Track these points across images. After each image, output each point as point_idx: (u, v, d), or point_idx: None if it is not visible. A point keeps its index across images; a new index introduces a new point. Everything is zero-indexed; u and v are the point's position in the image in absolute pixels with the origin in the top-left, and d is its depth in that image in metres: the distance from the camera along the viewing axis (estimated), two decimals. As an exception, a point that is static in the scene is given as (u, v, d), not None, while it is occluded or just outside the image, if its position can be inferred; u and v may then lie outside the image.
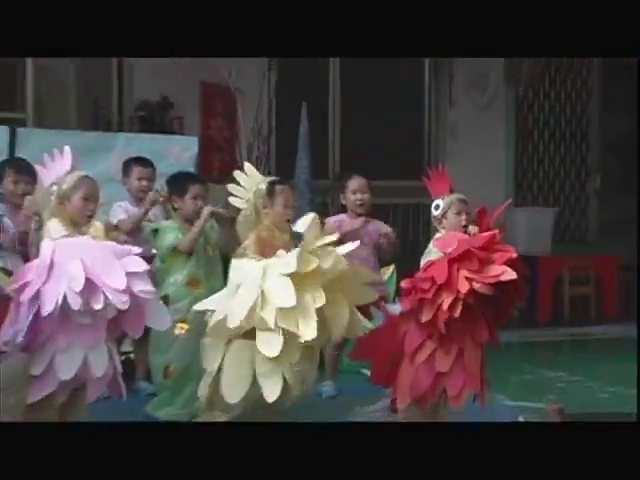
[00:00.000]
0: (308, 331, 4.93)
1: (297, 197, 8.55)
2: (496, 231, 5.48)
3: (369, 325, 6.30)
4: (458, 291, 5.16)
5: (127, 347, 6.83)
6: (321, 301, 4.97)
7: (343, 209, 7.15)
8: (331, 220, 7.04)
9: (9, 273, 5.68)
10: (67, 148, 5.25)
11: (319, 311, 5.04)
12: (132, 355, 6.98)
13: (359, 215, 6.95)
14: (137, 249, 4.95)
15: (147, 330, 5.30)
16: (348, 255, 5.85)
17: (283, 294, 4.96)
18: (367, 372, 5.92)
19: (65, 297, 4.66)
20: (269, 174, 9.56)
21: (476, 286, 5.14)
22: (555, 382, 7.67)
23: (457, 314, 5.16)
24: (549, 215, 11.13)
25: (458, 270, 5.21)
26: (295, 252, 5.06)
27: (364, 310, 6.11)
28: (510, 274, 5.12)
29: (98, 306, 4.68)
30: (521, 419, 5.50)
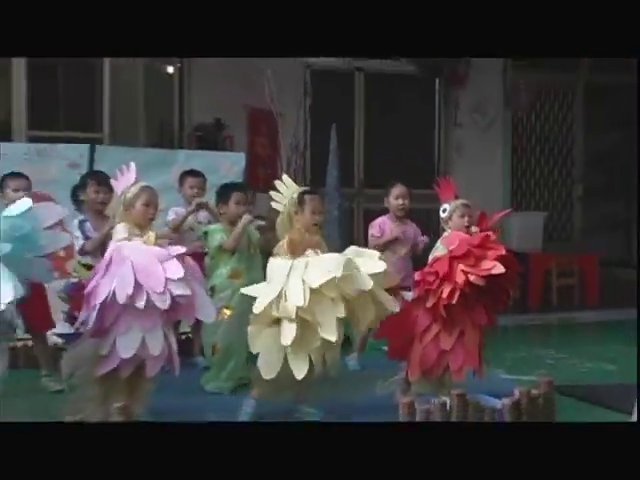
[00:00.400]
0: (329, 334, 4.99)
1: (328, 202, 8.59)
2: (490, 232, 5.48)
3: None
4: (456, 282, 5.24)
5: (186, 328, 6.84)
6: (341, 313, 5.02)
7: (381, 213, 7.11)
8: (375, 223, 7.00)
9: (91, 268, 5.75)
10: (132, 164, 5.33)
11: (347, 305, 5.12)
12: (190, 335, 7.01)
13: (398, 218, 6.88)
14: (179, 249, 4.99)
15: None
16: (391, 251, 6.65)
17: (298, 294, 5.00)
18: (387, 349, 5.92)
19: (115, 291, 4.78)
20: (305, 183, 9.59)
21: (471, 278, 5.23)
22: (545, 359, 7.62)
23: (454, 301, 5.24)
24: (539, 218, 11.06)
25: (457, 265, 5.29)
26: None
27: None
28: (499, 268, 5.19)
29: (141, 304, 4.76)
30: (516, 392, 5.45)
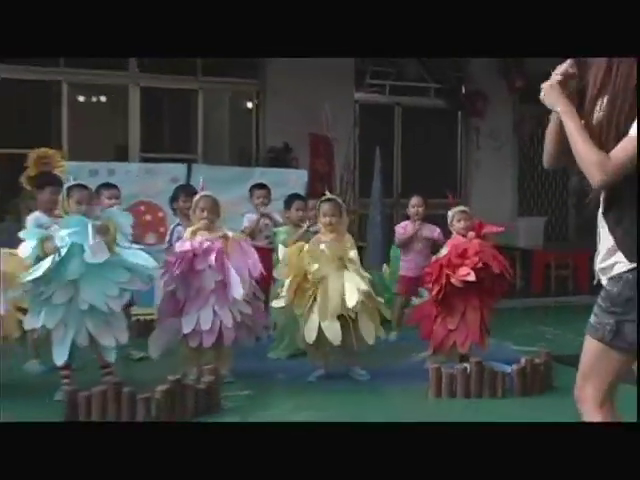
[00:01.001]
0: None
1: (373, 210, 8.60)
2: (469, 245, 5.55)
3: (417, 300, 6.39)
4: (441, 283, 5.45)
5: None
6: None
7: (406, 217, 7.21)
8: (400, 225, 7.12)
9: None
10: (201, 178, 5.64)
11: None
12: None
13: (416, 221, 6.94)
14: (204, 242, 5.18)
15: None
16: (409, 247, 6.88)
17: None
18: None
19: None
20: (354, 195, 9.62)
21: (452, 280, 5.39)
22: (545, 334, 7.49)
23: (440, 297, 5.47)
24: (541, 222, 10.92)
25: (443, 269, 5.49)
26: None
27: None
28: (472, 277, 5.36)
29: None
30: (522, 360, 5.37)
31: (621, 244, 2.60)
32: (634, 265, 2.54)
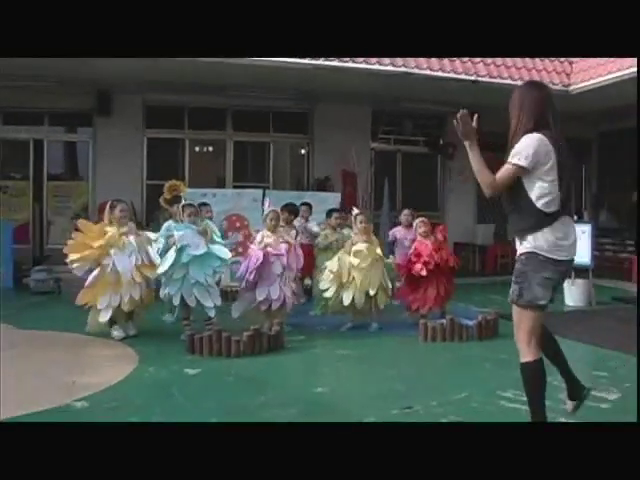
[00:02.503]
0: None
1: (383, 219, 8.50)
2: (428, 245, 5.50)
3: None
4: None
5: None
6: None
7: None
8: (392, 229, 7.00)
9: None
10: (268, 198, 5.52)
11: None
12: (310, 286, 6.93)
13: (405, 226, 6.79)
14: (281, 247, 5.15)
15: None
16: (400, 244, 6.46)
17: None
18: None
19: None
20: (371, 209, 9.56)
21: (413, 272, 5.43)
22: (495, 300, 7.32)
23: (408, 284, 5.52)
24: (491, 227, 10.72)
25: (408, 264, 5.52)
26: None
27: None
28: (424, 272, 5.33)
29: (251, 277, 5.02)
30: (479, 317, 5.27)
31: (511, 233, 2.75)
32: (524, 250, 2.66)
